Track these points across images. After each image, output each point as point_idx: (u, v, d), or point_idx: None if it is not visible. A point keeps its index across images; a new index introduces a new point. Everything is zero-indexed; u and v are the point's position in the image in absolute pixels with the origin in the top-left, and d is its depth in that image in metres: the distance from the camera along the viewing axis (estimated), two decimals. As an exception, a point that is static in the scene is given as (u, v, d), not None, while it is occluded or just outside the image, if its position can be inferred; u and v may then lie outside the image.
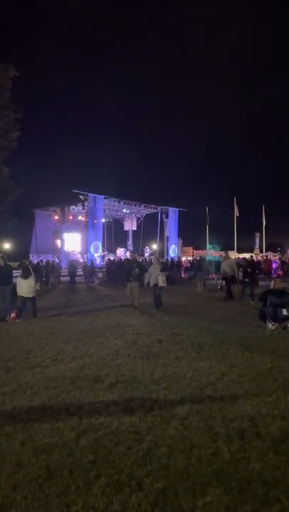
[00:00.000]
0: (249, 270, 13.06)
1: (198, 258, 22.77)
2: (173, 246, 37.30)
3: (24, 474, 2.90)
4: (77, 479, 2.82)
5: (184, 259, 32.08)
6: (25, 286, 9.89)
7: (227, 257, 14.97)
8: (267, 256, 30.66)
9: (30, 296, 10.01)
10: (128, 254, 35.87)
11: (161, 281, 10.99)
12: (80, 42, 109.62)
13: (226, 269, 13.56)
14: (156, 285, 11.05)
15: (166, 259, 30.83)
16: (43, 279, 23.13)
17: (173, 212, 37.56)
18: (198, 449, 3.21)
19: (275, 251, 38.75)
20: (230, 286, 13.54)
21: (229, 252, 18.71)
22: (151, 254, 36.37)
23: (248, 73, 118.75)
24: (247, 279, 12.96)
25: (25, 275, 9.99)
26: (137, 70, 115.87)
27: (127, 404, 4.15)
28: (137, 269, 11.60)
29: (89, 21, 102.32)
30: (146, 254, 36.33)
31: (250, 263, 14.33)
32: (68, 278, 24.17)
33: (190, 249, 40.12)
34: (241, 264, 14.05)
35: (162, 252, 38.67)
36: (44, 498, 2.62)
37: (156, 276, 10.98)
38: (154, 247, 41.39)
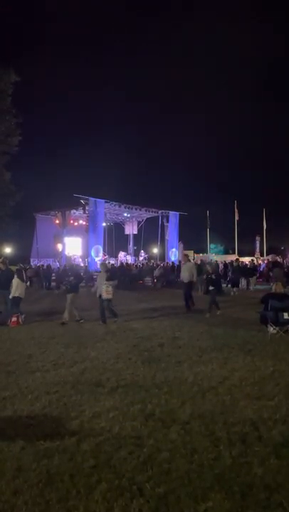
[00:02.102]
0: (214, 277, 11.36)
1: (198, 262, 22.71)
2: (173, 250, 37.25)
3: (25, 479, 2.89)
4: (78, 484, 2.81)
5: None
6: (23, 289, 10.57)
7: (186, 261, 13.10)
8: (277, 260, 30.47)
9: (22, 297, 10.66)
10: (128, 257, 35.93)
11: (106, 292, 9.35)
12: (80, 42, 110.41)
13: (184, 274, 12.05)
14: (101, 296, 9.60)
15: (168, 263, 30.89)
16: (45, 283, 23.19)
17: (174, 216, 37.57)
18: (199, 453, 3.20)
19: (276, 254, 38.71)
20: (187, 294, 11.86)
21: (231, 255, 18.32)
22: (150, 258, 36.34)
23: (248, 73, 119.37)
24: (212, 287, 11.18)
25: (24, 278, 10.86)
26: (137, 70, 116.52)
27: (128, 409, 4.14)
28: (71, 278, 10.31)
29: (89, 21, 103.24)
30: (142, 258, 36.23)
31: (215, 269, 12.52)
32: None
33: (191, 252, 40.13)
34: (205, 270, 12.16)
35: (163, 255, 38.65)
36: (45, 503, 2.61)
37: (101, 287, 9.50)
38: (155, 250, 41.38)
